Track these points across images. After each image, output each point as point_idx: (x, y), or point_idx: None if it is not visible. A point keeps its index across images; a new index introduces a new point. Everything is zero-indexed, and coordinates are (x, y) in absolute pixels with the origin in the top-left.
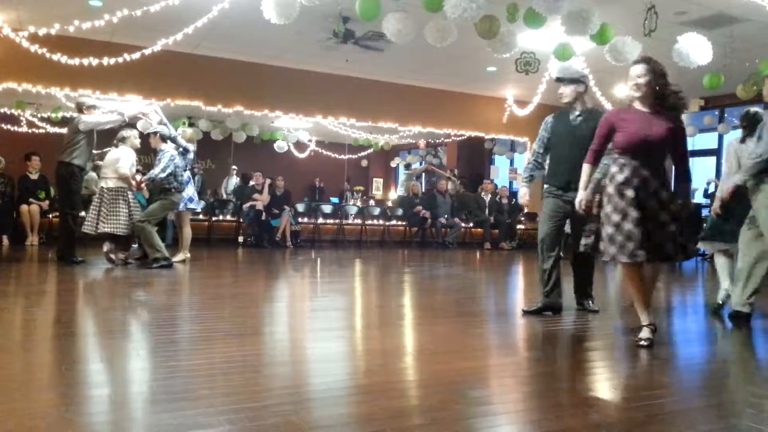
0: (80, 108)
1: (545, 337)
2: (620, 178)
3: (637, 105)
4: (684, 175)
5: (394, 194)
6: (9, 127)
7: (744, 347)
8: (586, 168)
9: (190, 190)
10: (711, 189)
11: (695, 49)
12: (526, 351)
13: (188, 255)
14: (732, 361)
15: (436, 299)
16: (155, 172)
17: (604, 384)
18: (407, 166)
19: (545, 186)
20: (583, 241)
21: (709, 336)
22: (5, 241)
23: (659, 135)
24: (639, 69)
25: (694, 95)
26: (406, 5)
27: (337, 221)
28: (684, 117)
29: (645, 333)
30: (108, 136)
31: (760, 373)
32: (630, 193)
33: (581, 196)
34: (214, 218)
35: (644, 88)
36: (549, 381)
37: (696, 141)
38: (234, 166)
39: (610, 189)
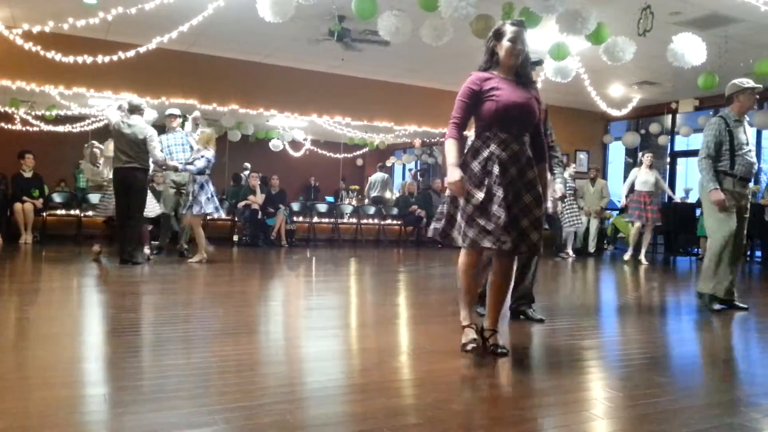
0: (138, 110)
1: (538, 336)
2: (486, 152)
3: (500, 72)
4: (547, 152)
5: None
6: (3, 125)
7: (737, 346)
8: (453, 144)
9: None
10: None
11: (690, 50)
12: (520, 350)
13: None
14: (725, 360)
15: (431, 298)
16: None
17: (598, 383)
18: (381, 167)
19: None
20: (432, 225)
21: (702, 334)
22: None
23: (531, 105)
24: (523, 33)
25: (689, 95)
26: (402, 4)
27: (332, 220)
28: (678, 117)
29: (469, 335)
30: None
31: (753, 372)
32: (496, 169)
33: (457, 176)
34: (208, 217)
35: (522, 56)
36: (544, 380)
37: (690, 141)
38: (247, 163)
39: (474, 165)
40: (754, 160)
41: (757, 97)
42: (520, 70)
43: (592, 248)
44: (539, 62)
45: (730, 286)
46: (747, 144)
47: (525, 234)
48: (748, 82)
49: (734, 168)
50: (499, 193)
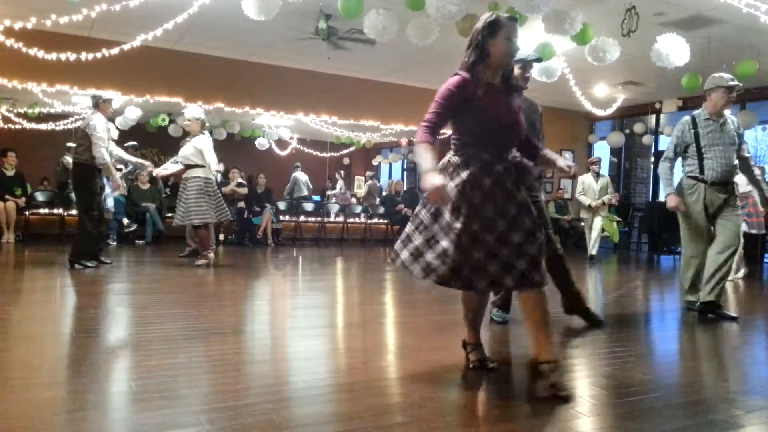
0: (96, 103)
1: (524, 335)
2: (465, 174)
3: (487, 74)
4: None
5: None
6: None
7: (720, 344)
8: (427, 148)
9: None
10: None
11: (673, 50)
12: (506, 348)
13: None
14: (708, 358)
15: (417, 297)
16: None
17: (583, 381)
18: (297, 167)
19: None
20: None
21: (686, 333)
22: None
23: (518, 120)
24: (517, 30)
25: (673, 96)
26: (388, 3)
27: (318, 219)
28: (662, 117)
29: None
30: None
31: (735, 369)
32: (478, 197)
33: (438, 181)
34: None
35: (514, 56)
36: (529, 378)
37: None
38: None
39: (450, 188)
40: (730, 161)
41: (732, 96)
42: (508, 73)
43: (594, 251)
44: (538, 59)
45: (695, 287)
46: (719, 145)
47: (509, 265)
48: (724, 81)
49: (703, 172)
50: (475, 225)
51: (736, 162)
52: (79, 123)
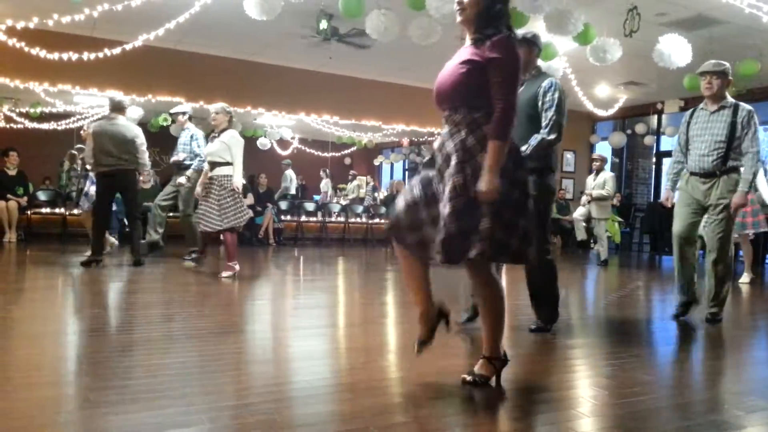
0: (121, 108)
1: (525, 335)
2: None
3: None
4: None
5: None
6: None
7: (721, 345)
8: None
9: None
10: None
11: (676, 51)
12: (507, 349)
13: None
14: (710, 358)
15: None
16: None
17: (585, 381)
18: (288, 165)
19: None
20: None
21: (687, 334)
22: None
23: (448, 76)
24: None
25: (674, 96)
26: (390, 3)
27: (320, 219)
28: (664, 118)
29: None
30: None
31: (735, 370)
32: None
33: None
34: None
35: (469, 9)
36: (531, 379)
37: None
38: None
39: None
40: (707, 151)
41: (706, 81)
42: (474, 29)
43: (603, 255)
44: (524, 38)
45: (682, 288)
46: (700, 135)
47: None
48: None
49: (688, 162)
50: (415, 191)
51: (720, 153)
52: (127, 132)
